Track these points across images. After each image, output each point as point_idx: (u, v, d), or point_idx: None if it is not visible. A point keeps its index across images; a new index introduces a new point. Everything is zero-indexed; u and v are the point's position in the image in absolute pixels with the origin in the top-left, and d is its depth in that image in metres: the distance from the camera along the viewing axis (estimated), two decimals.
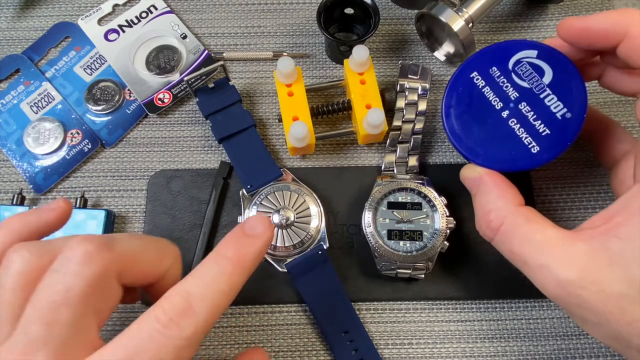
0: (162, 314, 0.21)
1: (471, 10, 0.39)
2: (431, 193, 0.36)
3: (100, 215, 0.37)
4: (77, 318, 0.21)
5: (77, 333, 0.21)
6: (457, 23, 0.37)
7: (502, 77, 0.32)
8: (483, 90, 0.32)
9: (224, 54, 0.43)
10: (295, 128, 0.35)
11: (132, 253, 0.25)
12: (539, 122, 0.31)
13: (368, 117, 0.35)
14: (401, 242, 0.35)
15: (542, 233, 0.27)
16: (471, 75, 0.32)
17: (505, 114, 0.31)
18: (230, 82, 0.41)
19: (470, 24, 0.38)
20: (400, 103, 0.39)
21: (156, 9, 0.44)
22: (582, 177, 0.40)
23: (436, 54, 0.43)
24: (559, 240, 0.26)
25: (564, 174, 0.40)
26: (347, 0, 0.40)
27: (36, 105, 0.41)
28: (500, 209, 0.29)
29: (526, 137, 0.31)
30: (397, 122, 0.38)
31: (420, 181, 0.36)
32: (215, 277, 0.23)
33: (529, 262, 0.27)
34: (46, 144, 0.40)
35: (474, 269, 0.37)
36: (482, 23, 0.45)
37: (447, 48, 0.42)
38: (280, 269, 0.36)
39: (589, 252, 0.25)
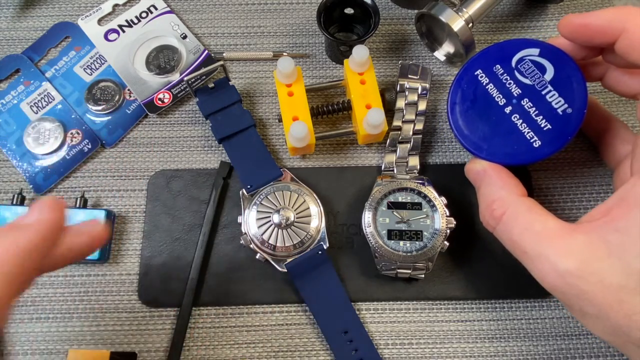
0: None
1: (471, 10, 0.39)
2: (431, 193, 0.36)
3: (100, 215, 0.37)
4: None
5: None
6: (457, 23, 0.37)
7: (505, 74, 0.33)
8: (487, 87, 0.33)
9: (224, 54, 0.43)
10: (295, 128, 0.35)
11: None
12: (541, 117, 0.31)
13: (368, 117, 0.35)
14: (401, 242, 0.35)
15: (542, 223, 0.28)
16: (475, 73, 0.34)
17: (508, 109, 0.32)
18: (230, 82, 0.41)
19: (470, 24, 0.38)
20: (400, 103, 0.39)
21: (156, 9, 0.44)
22: (582, 175, 0.40)
23: (436, 54, 0.43)
24: (559, 231, 0.27)
25: (564, 172, 0.40)
26: (347, 0, 0.40)
27: (36, 105, 0.41)
28: (503, 199, 0.30)
29: (528, 132, 0.32)
30: (397, 122, 0.38)
31: (420, 181, 0.36)
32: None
33: (529, 251, 0.28)
34: (46, 144, 0.40)
35: (474, 269, 0.37)
36: (482, 23, 0.45)
37: (447, 48, 0.42)
38: (280, 269, 0.36)
39: (588, 244, 0.26)
